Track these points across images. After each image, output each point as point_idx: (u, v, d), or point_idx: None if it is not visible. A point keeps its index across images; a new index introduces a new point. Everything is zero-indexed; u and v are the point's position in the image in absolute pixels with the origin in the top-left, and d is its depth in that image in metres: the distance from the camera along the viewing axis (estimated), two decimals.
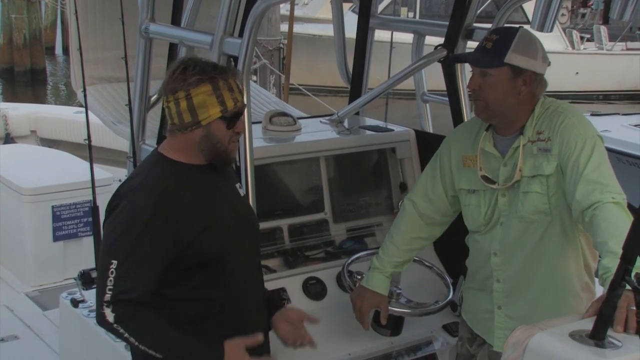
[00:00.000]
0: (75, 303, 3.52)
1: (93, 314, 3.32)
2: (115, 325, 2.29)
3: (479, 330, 2.86)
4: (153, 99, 3.49)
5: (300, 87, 10.88)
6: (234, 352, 2.34)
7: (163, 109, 3.22)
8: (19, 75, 20.14)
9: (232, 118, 2.39)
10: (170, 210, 2.32)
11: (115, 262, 2.28)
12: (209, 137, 2.38)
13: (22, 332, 4.30)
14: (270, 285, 3.09)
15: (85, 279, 3.35)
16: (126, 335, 2.30)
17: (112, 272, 2.28)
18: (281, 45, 10.52)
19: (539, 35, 2.68)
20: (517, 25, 2.72)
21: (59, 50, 25.24)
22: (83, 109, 3.81)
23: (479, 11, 3.58)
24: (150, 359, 2.36)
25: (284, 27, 10.97)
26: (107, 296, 2.28)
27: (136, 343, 2.31)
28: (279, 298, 2.91)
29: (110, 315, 2.28)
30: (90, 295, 3.39)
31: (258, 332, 2.43)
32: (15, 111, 6.59)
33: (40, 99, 18.18)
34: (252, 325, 2.53)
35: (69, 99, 18.32)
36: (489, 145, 2.69)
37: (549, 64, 2.63)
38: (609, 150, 2.66)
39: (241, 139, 2.80)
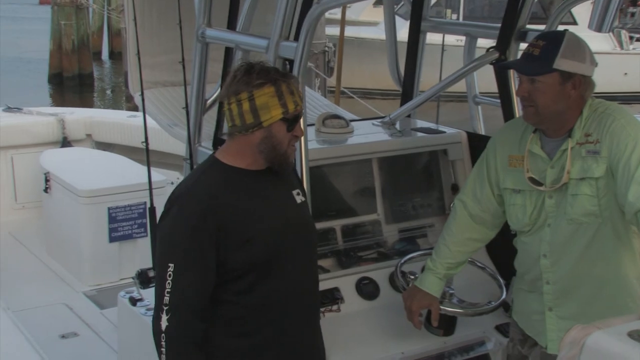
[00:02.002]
0: (133, 301, 3.60)
1: (150, 313, 3.40)
2: (162, 334, 2.32)
3: (531, 332, 2.86)
4: (209, 102, 3.57)
5: (346, 90, 10.90)
6: None
7: (219, 112, 3.33)
8: (68, 80, 20.56)
9: (293, 121, 2.42)
10: (218, 217, 2.34)
11: (172, 265, 2.33)
12: (269, 139, 2.40)
13: (82, 329, 4.42)
14: (324, 284, 3.13)
15: (142, 278, 3.40)
16: (163, 350, 2.33)
17: (169, 275, 2.33)
18: (326, 48, 10.55)
19: (585, 34, 2.67)
20: (563, 29, 2.71)
21: (105, 55, 25.69)
22: (137, 113, 3.91)
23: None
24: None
25: (329, 30, 11.00)
26: (166, 299, 2.33)
27: None
28: None
29: (164, 323, 2.32)
30: (148, 294, 3.47)
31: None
32: (72, 116, 6.77)
33: (87, 103, 18.54)
34: (298, 332, 2.54)
35: (115, 103, 18.66)
36: (537, 147, 2.70)
37: (596, 65, 2.63)
38: None
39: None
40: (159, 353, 2.36)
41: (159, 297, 2.36)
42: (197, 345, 2.36)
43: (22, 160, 6.31)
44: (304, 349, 2.58)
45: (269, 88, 2.37)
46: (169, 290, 2.33)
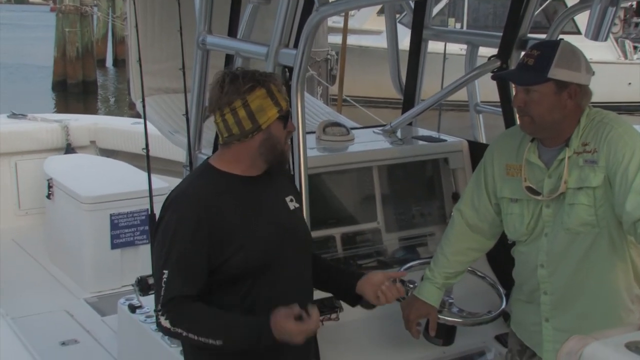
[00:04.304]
0: (132, 309, 3.60)
1: (150, 320, 3.42)
2: (172, 329, 2.35)
3: (529, 342, 2.84)
4: None
5: (348, 98, 10.90)
6: (279, 322, 2.31)
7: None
8: (72, 87, 20.63)
9: (287, 117, 2.46)
10: (211, 223, 2.35)
11: (166, 272, 2.35)
12: (269, 140, 2.43)
13: (82, 336, 4.41)
14: (323, 293, 3.12)
15: (142, 286, 3.38)
16: (184, 333, 2.34)
17: (164, 282, 2.35)
18: (329, 56, 10.55)
19: (590, 44, 2.66)
20: (564, 37, 2.70)
21: (109, 62, 25.77)
22: (141, 120, 3.90)
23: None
24: (204, 355, 2.43)
25: (331, 39, 11.01)
26: (160, 305, 2.36)
27: (196, 337, 2.33)
28: (355, 271, 2.84)
29: (165, 322, 2.35)
30: (148, 301, 3.47)
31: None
32: (76, 122, 6.78)
33: (90, 110, 18.59)
34: None
35: (119, 110, 18.70)
36: (534, 157, 2.69)
37: (593, 74, 2.61)
38: None
39: (295, 148, 2.85)
40: (185, 340, 2.39)
41: (156, 301, 2.39)
42: (198, 302, 2.36)
43: (26, 166, 6.32)
44: (297, 354, 2.55)
45: (260, 90, 2.39)
46: (162, 295, 2.36)
